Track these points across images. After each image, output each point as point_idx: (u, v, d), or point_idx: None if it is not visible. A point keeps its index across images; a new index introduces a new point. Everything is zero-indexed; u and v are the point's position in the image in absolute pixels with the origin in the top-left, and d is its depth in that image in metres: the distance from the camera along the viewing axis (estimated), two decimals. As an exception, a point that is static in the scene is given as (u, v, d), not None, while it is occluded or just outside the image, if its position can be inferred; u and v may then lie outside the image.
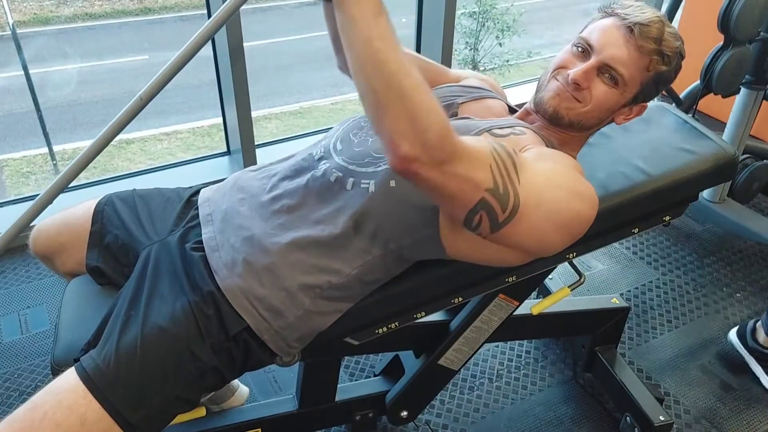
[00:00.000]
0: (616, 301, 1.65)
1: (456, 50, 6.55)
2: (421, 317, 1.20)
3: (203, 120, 5.39)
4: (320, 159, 1.11)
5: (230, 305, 1.02)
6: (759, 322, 1.75)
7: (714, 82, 1.95)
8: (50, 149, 4.69)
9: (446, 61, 2.57)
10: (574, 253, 1.24)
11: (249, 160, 2.38)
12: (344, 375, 1.74)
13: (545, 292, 1.75)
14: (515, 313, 1.37)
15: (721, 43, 1.93)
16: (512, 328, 1.53)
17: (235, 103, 2.22)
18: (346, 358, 1.78)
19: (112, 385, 0.95)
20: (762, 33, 1.98)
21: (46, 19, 6.96)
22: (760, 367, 1.75)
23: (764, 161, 2.21)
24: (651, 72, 1.07)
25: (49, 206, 1.12)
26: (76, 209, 1.28)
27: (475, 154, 0.88)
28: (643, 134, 1.37)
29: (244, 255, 1.04)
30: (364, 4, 0.80)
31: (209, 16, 2.16)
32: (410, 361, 1.44)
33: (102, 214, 1.24)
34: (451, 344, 1.37)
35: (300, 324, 1.05)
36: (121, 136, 1.28)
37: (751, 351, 1.76)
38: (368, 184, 1.03)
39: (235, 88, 2.18)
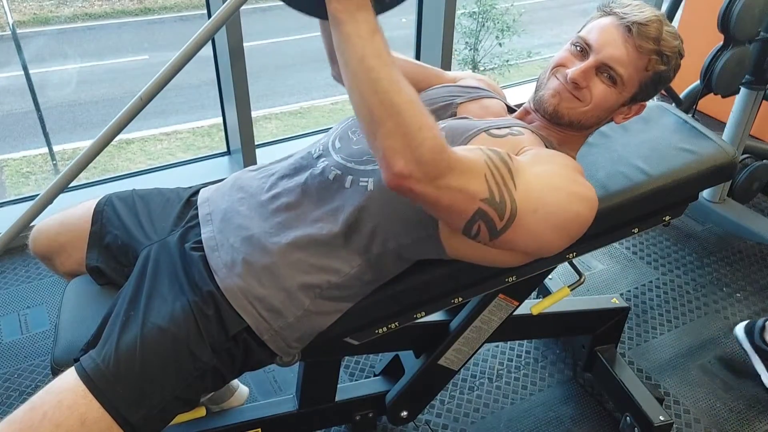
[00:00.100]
0: (616, 301, 1.65)
1: (456, 50, 6.55)
2: (421, 317, 1.20)
3: (203, 120, 5.38)
4: (319, 157, 1.11)
5: (230, 305, 1.02)
6: None
7: (714, 82, 1.95)
8: (50, 149, 4.70)
9: (446, 61, 2.57)
10: (574, 253, 1.24)
11: (249, 160, 2.38)
12: (344, 375, 1.74)
13: (545, 292, 1.75)
14: (515, 313, 1.37)
15: (721, 43, 1.93)
16: (512, 328, 1.53)
17: (235, 103, 2.22)
18: (346, 358, 1.78)
19: (112, 385, 0.95)
20: (762, 33, 1.98)
21: (46, 19, 6.96)
22: (762, 365, 1.75)
23: (764, 161, 2.21)
24: (650, 71, 1.07)
25: (49, 206, 1.11)
26: (75, 209, 1.28)
27: (469, 165, 0.89)
28: (642, 134, 1.37)
29: (244, 255, 1.04)
30: (359, 23, 0.81)
31: (209, 16, 2.16)
32: (410, 361, 1.44)
33: (102, 214, 1.24)
34: (451, 344, 1.37)
35: (300, 324, 1.05)
36: (121, 136, 1.28)
37: (756, 348, 1.76)
38: (367, 182, 1.03)
39: (235, 88, 2.19)
